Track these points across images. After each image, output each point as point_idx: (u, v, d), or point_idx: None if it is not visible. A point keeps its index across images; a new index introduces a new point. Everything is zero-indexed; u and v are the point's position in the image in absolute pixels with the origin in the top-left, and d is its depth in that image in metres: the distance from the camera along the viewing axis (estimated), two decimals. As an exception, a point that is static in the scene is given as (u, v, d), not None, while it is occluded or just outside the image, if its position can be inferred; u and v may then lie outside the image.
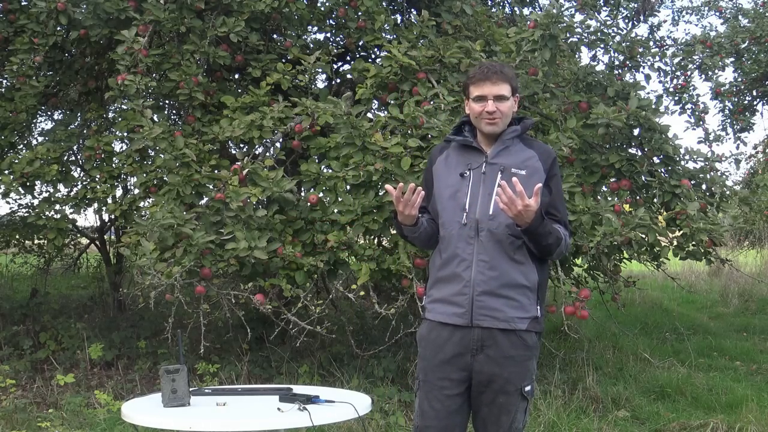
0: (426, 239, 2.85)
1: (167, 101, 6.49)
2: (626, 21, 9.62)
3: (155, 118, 5.39)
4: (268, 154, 5.31)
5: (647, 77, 6.79)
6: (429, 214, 2.89)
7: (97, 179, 5.75)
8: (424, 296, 2.93)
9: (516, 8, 7.79)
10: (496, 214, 2.68)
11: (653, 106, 5.21)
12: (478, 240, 2.69)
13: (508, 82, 2.77)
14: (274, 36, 6.19)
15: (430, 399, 2.76)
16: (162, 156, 5.15)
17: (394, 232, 5.01)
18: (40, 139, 6.99)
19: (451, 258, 2.74)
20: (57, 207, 5.76)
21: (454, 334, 2.72)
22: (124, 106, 5.75)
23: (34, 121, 7.36)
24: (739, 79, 10.35)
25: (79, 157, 6.82)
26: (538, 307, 2.73)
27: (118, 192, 6.46)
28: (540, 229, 2.62)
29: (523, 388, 2.73)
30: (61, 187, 5.95)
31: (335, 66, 6.71)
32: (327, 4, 6.18)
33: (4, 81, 6.43)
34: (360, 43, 6.17)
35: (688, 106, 9.02)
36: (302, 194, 5.23)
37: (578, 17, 6.86)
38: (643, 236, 4.84)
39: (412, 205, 2.68)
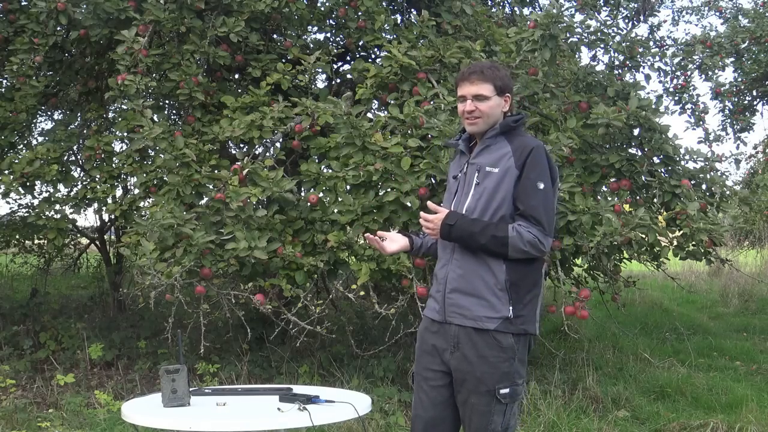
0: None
1: (167, 101, 6.49)
2: (626, 21, 9.64)
3: (155, 118, 5.39)
4: (268, 154, 5.31)
5: (647, 77, 6.81)
6: None
7: (97, 179, 5.75)
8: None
9: (516, 8, 7.79)
10: (468, 214, 2.75)
11: (653, 106, 5.21)
12: None
13: (488, 82, 2.77)
14: (274, 36, 6.19)
15: (418, 390, 2.87)
16: (162, 156, 5.15)
17: (395, 232, 5.03)
18: (40, 139, 7.00)
19: (438, 257, 2.90)
20: (57, 207, 5.77)
21: (437, 328, 2.81)
22: (124, 106, 5.75)
23: (34, 121, 7.36)
24: (739, 79, 10.35)
25: (79, 157, 6.82)
26: (511, 308, 2.69)
27: (118, 192, 6.46)
28: (452, 233, 2.72)
29: (497, 390, 2.68)
30: (61, 187, 5.96)
31: (335, 66, 6.71)
32: (327, 4, 6.18)
33: (4, 81, 6.44)
34: (360, 43, 6.17)
35: (688, 106, 9.04)
36: (302, 194, 5.23)
37: (578, 17, 6.89)
38: (643, 236, 4.84)
39: (381, 248, 2.97)
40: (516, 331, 2.70)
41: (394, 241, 2.98)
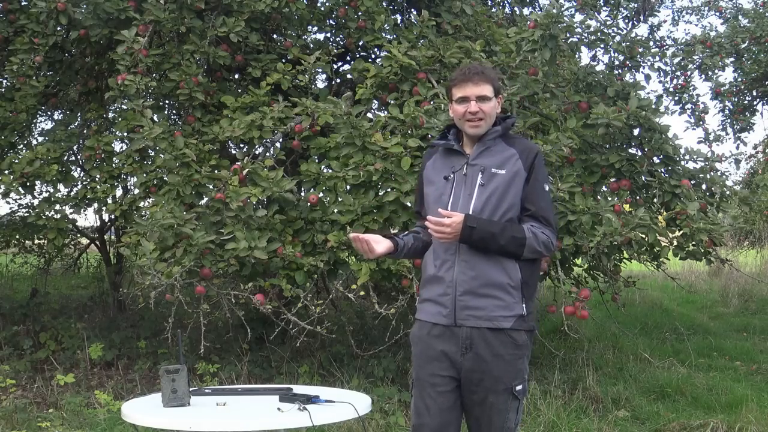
0: (422, 251, 2.92)
1: (167, 101, 6.49)
2: (626, 21, 9.63)
3: (155, 118, 5.39)
4: (268, 154, 5.31)
5: (647, 77, 6.81)
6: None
7: (97, 179, 5.75)
8: (417, 297, 2.95)
9: (516, 8, 7.79)
10: (475, 215, 2.70)
11: (653, 106, 5.21)
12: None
13: (489, 83, 2.78)
14: (274, 36, 6.19)
15: (424, 397, 2.80)
16: (162, 156, 5.15)
17: (395, 232, 5.03)
18: (40, 139, 6.99)
19: (436, 259, 2.80)
20: (57, 207, 5.77)
21: (443, 332, 2.75)
22: (124, 106, 5.76)
23: (34, 121, 7.36)
24: (739, 79, 10.35)
25: (79, 157, 6.82)
26: (524, 305, 2.73)
27: (118, 192, 6.46)
28: (474, 236, 2.65)
29: (513, 387, 2.73)
30: (61, 187, 5.96)
31: (335, 66, 6.71)
32: (327, 4, 6.18)
33: (4, 81, 6.43)
34: (360, 43, 6.17)
35: (688, 106, 9.03)
36: (302, 194, 5.23)
37: (578, 17, 6.90)
38: (643, 236, 4.84)
39: (370, 250, 2.78)
40: (528, 328, 2.76)
41: (378, 243, 2.83)
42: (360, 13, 5.91)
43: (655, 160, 5.34)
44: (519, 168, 2.75)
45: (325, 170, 5.09)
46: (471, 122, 2.78)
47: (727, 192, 5.62)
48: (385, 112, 5.21)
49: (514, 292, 2.72)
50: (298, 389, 3.11)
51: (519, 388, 2.75)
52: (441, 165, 2.88)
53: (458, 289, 2.72)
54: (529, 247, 2.71)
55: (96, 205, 6.19)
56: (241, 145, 5.82)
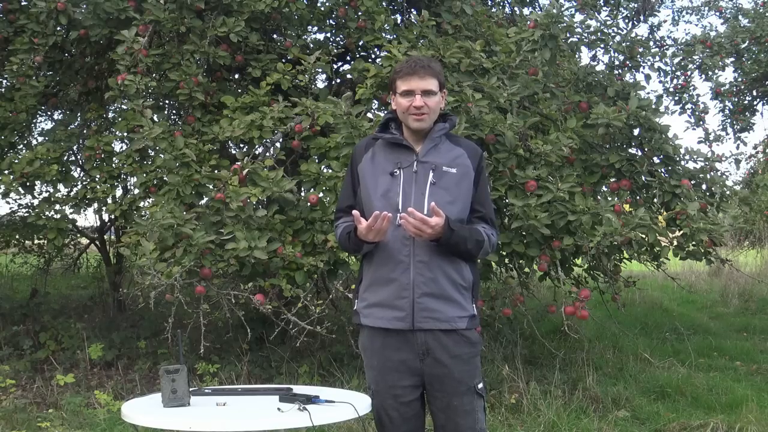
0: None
1: (167, 101, 6.49)
2: (626, 21, 9.64)
3: (155, 118, 5.39)
4: (268, 154, 5.31)
5: (647, 77, 6.81)
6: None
7: (97, 179, 5.75)
8: (356, 300, 2.86)
9: (516, 8, 7.79)
10: (431, 214, 2.59)
11: (653, 106, 5.22)
12: (414, 241, 2.65)
13: (435, 77, 2.71)
14: (274, 36, 6.19)
15: (386, 408, 2.77)
16: (162, 156, 5.15)
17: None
18: (40, 139, 7.00)
19: (387, 260, 2.69)
20: (57, 207, 5.77)
21: (398, 339, 2.71)
22: (124, 106, 5.76)
23: (34, 121, 7.36)
24: (739, 79, 10.36)
25: (79, 157, 6.83)
26: (473, 305, 2.75)
27: (118, 192, 6.46)
28: (453, 239, 2.61)
29: (476, 386, 2.73)
30: (61, 187, 5.96)
31: (335, 66, 6.71)
32: (327, 4, 6.18)
33: (4, 81, 6.44)
34: (360, 43, 6.17)
35: (688, 106, 9.02)
36: (302, 194, 5.23)
37: (578, 17, 6.88)
38: (643, 236, 4.84)
39: (384, 231, 2.61)
40: (477, 326, 2.77)
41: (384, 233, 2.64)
42: (360, 13, 5.91)
43: (655, 160, 5.35)
44: (468, 168, 2.74)
45: (325, 170, 5.09)
46: (415, 116, 2.70)
47: (727, 192, 5.63)
48: (385, 112, 5.21)
49: (466, 293, 2.73)
50: (298, 389, 3.11)
51: (480, 385, 2.75)
52: (383, 159, 2.76)
53: (416, 292, 2.65)
54: (485, 250, 2.74)
55: (96, 205, 6.19)
56: (241, 145, 5.82)
